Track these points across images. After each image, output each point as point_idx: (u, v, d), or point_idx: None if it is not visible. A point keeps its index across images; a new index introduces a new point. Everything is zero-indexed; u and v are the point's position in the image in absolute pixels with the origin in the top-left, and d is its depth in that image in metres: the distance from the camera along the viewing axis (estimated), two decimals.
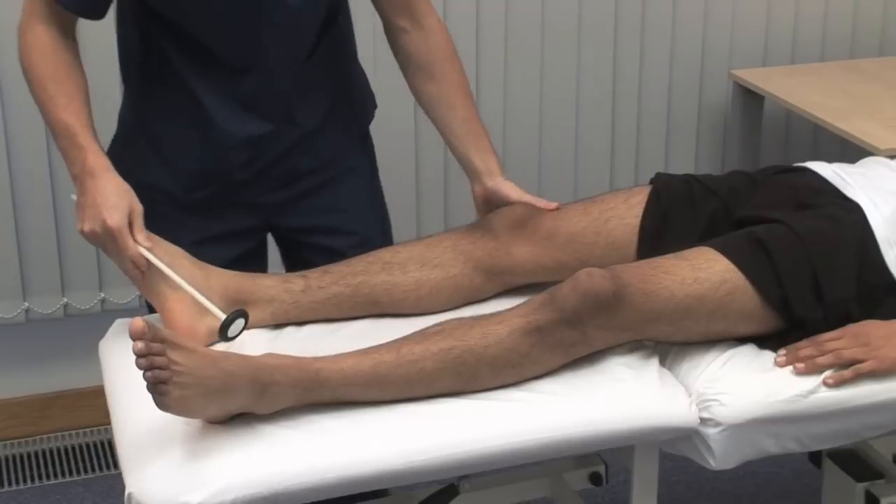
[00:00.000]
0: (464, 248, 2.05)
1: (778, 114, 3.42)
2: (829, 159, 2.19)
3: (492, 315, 1.85)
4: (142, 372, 1.59)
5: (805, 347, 1.87)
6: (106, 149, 2.02)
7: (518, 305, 1.86)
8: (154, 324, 1.60)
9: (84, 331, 2.51)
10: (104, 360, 1.97)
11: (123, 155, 2.09)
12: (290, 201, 2.15)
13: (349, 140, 2.20)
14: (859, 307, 1.91)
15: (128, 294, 2.98)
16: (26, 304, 2.96)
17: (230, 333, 1.82)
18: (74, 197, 1.92)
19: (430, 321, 1.89)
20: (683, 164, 3.39)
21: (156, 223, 1.95)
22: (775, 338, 1.91)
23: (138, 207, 1.88)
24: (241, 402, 1.69)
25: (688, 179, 2.11)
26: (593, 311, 1.81)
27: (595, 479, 2.15)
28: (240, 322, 1.83)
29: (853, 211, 1.98)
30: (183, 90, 2.02)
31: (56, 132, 1.92)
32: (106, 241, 1.86)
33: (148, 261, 1.88)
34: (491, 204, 2.07)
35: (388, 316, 2.02)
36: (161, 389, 1.60)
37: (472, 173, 2.09)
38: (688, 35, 3.33)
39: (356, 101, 2.21)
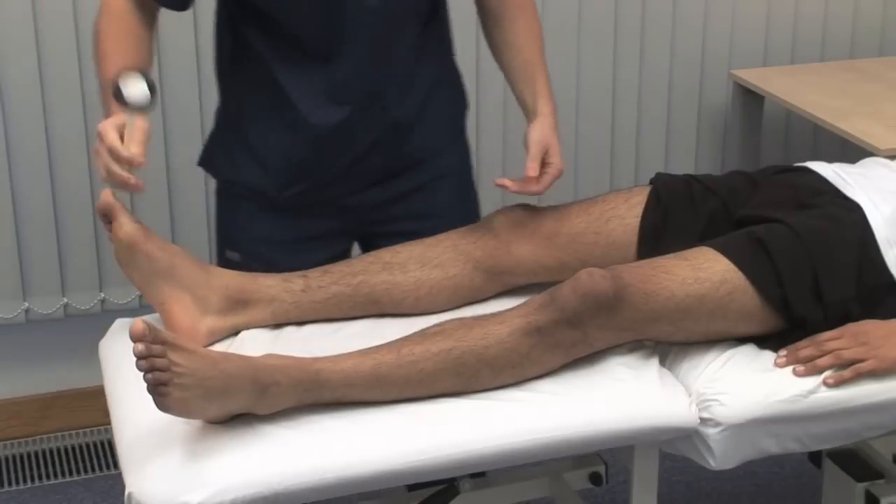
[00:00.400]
0: (464, 248, 2.05)
1: (778, 114, 3.42)
2: (829, 159, 2.20)
3: (492, 315, 1.85)
4: (142, 373, 1.59)
5: (805, 347, 1.87)
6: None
7: (518, 306, 1.86)
8: (154, 325, 1.60)
9: (84, 331, 2.51)
10: (104, 360, 1.97)
11: (216, 153, 2.16)
12: (383, 204, 2.15)
13: (444, 138, 2.20)
14: (859, 307, 1.91)
15: (128, 294, 2.98)
16: (26, 304, 2.96)
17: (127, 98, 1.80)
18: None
19: (431, 321, 1.89)
20: (683, 164, 3.39)
21: (251, 221, 2.05)
22: (775, 338, 1.91)
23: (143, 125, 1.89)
24: (241, 403, 1.69)
25: (688, 179, 2.11)
26: (594, 311, 1.81)
27: (595, 479, 2.15)
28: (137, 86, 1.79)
29: (853, 211, 1.98)
30: (272, 83, 2.04)
31: (101, 89, 1.95)
32: (103, 153, 1.84)
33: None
34: (530, 146, 2.07)
35: (388, 316, 2.02)
36: (161, 391, 1.60)
37: (529, 118, 2.11)
38: (688, 35, 3.33)
39: (452, 97, 2.22)
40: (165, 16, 2.08)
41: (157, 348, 1.58)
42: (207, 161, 2.21)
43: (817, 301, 1.89)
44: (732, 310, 1.88)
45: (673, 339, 1.92)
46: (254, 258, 2.12)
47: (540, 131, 2.06)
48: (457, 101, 2.24)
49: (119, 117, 1.85)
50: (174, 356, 1.60)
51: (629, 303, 1.82)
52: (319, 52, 2.01)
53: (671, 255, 1.92)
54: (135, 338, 1.58)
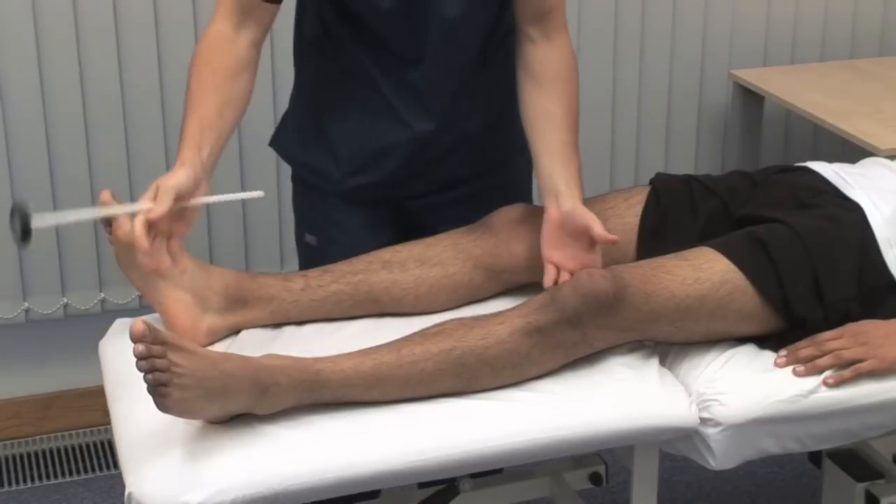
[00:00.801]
0: (463, 246, 2.05)
1: (778, 114, 3.41)
2: (829, 159, 2.19)
3: (492, 315, 1.85)
4: (142, 374, 1.59)
5: (805, 348, 1.87)
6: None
7: (518, 306, 1.86)
8: (154, 325, 1.60)
9: (84, 331, 2.51)
10: (104, 360, 1.97)
11: (289, 135, 2.18)
12: (441, 206, 2.16)
13: (510, 152, 2.20)
14: (860, 307, 1.91)
15: (128, 294, 2.98)
16: (26, 304, 2.96)
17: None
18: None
19: (431, 321, 1.89)
20: (683, 164, 3.39)
21: (322, 205, 2.10)
22: (775, 338, 1.91)
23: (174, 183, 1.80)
24: (241, 403, 1.69)
25: (687, 179, 2.11)
26: (594, 311, 1.81)
27: (595, 479, 2.15)
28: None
29: (853, 211, 1.98)
30: (358, 76, 2.05)
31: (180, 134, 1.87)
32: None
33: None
34: (565, 228, 1.93)
35: (389, 315, 2.02)
36: (162, 391, 1.60)
37: (551, 193, 1.95)
38: (688, 35, 3.33)
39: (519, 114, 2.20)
40: None
41: (157, 349, 1.58)
42: (277, 142, 2.24)
43: (818, 301, 1.89)
44: (733, 310, 1.88)
45: (673, 339, 1.92)
46: (328, 241, 2.16)
47: (594, 217, 1.93)
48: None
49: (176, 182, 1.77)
50: (174, 356, 1.60)
51: (629, 303, 1.82)
52: (407, 55, 2.02)
53: (671, 256, 1.92)
54: (135, 338, 1.58)
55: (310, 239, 2.20)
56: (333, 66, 2.08)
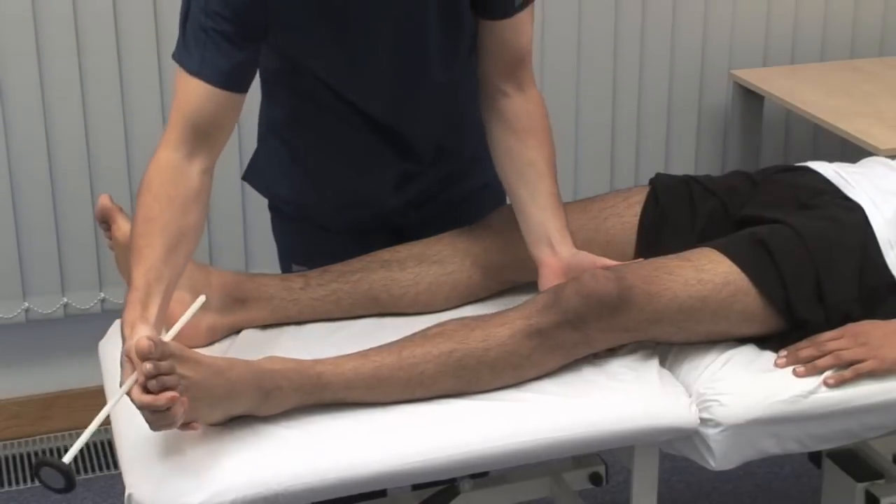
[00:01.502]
0: (462, 245, 2.05)
1: (778, 114, 3.41)
2: (829, 159, 2.19)
3: (493, 316, 1.85)
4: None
5: (805, 348, 1.87)
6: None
7: (519, 306, 1.86)
8: (158, 339, 1.59)
9: (84, 331, 2.51)
10: (104, 360, 1.97)
11: (266, 170, 2.13)
12: (430, 219, 2.14)
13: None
14: (861, 308, 1.91)
15: None
16: (26, 304, 2.96)
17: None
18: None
19: (431, 320, 1.89)
20: (683, 164, 3.39)
21: (310, 236, 2.08)
22: (775, 338, 1.91)
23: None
24: (244, 407, 1.69)
25: (687, 180, 2.11)
26: (597, 313, 1.81)
27: (595, 479, 2.15)
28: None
29: (854, 211, 1.98)
30: (334, 128, 2.02)
31: (126, 276, 1.77)
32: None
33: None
34: (569, 273, 1.90)
35: (389, 315, 2.02)
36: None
37: (544, 241, 1.94)
38: (688, 35, 3.33)
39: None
40: None
41: (165, 365, 1.57)
42: (252, 176, 2.17)
43: (819, 303, 1.89)
44: (735, 311, 1.88)
45: (674, 339, 1.92)
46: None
47: (595, 257, 1.93)
48: None
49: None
50: (182, 369, 1.59)
51: (633, 304, 1.82)
52: (385, 119, 2.01)
53: (673, 256, 1.91)
54: (142, 356, 1.56)
55: (298, 269, 2.13)
56: (306, 101, 2.02)
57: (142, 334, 1.60)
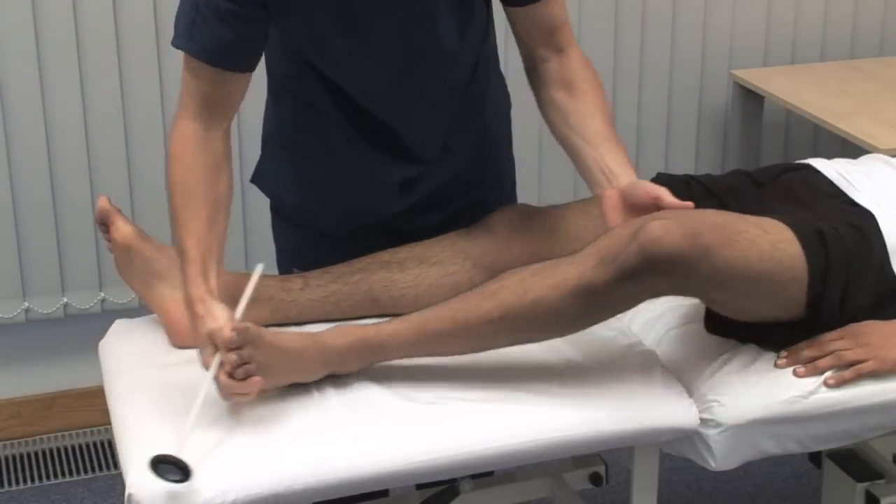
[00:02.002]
0: (463, 245, 2.05)
1: (778, 114, 3.42)
2: (829, 159, 2.19)
3: (546, 274, 1.77)
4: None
5: (806, 349, 1.87)
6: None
7: (575, 258, 1.77)
8: (242, 326, 1.68)
9: (84, 331, 2.51)
10: (104, 360, 1.97)
11: (270, 176, 2.14)
12: (439, 226, 2.12)
13: (500, 154, 2.20)
14: (866, 315, 1.89)
15: (128, 294, 2.97)
16: (26, 304, 2.96)
17: None
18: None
19: None
20: (683, 164, 3.39)
21: (311, 241, 2.10)
22: (776, 338, 1.91)
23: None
24: (309, 378, 1.80)
25: (687, 180, 2.11)
26: (664, 271, 1.68)
27: (595, 479, 2.15)
28: None
29: (869, 221, 1.95)
30: (337, 133, 2.02)
31: (178, 252, 1.83)
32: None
33: None
34: (627, 201, 1.85)
35: (389, 317, 2.01)
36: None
37: (602, 175, 1.88)
38: (688, 35, 3.33)
39: (503, 114, 2.20)
40: None
41: (246, 354, 1.68)
42: (259, 179, 2.17)
43: (840, 307, 1.87)
44: (782, 296, 1.82)
45: (712, 305, 1.86)
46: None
47: (654, 185, 1.86)
48: (507, 115, 2.23)
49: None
50: (259, 353, 1.69)
51: (706, 265, 1.68)
52: (387, 116, 2.00)
53: (750, 221, 1.81)
54: (228, 346, 1.66)
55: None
56: (310, 109, 2.02)
57: (222, 317, 1.71)
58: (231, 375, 1.68)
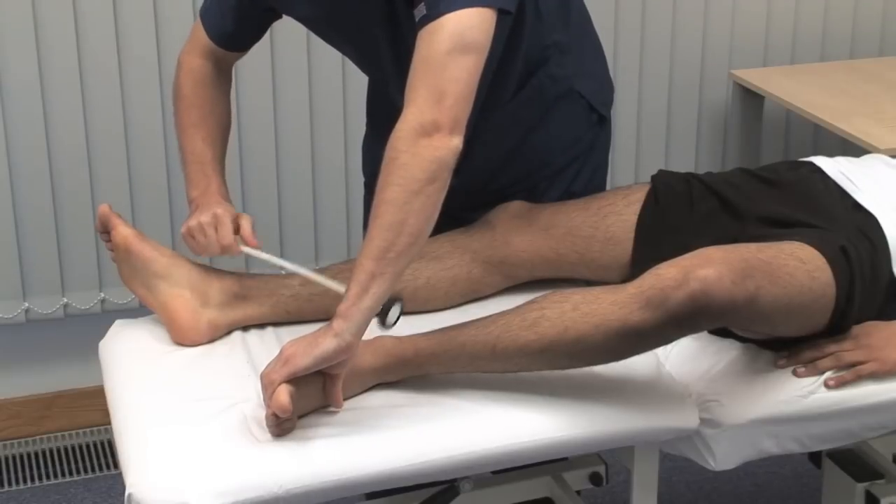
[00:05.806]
0: (461, 240, 2.05)
1: (778, 114, 3.42)
2: None
3: (587, 310, 1.73)
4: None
5: (806, 349, 1.87)
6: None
7: (618, 293, 1.72)
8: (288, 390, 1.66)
9: (84, 331, 2.51)
10: (104, 360, 1.97)
11: (366, 157, 2.32)
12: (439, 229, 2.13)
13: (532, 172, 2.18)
14: (869, 320, 1.90)
15: (128, 294, 2.97)
16: (26, 304, 2.96)
17: (388, 321, 1.76)
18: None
19: (431, 320, 1.90)
20: (683, 164, 3.39)
21: None
22: (776, 339, 1.91)
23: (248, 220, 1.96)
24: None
25: (687, 178, 2.11)
26: (712, 317, 1.69)
27: (595, 479, 2.15)
28: (396, 309, 1.75)
29: (874, 225, 1.95)
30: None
31: (187, 157, 2.03)
32: (208, 229, 1.92)
33: None
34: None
35: None
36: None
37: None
38: (688, 35, 3.33)
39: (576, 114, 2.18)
40: None
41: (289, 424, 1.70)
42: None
43: (856, 319, 1.88)
44: (812, 319, 1.83)
45: (744, 333, 1.87)
46: None
47: None
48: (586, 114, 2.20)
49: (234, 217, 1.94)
50: (332, 389, 1.72)
51: (754, 308, 1.70)
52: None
53: (786, 252, 1.79)
54: (281, 413, 1.65)
55: None
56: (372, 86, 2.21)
57: (281, 378, 1.67)
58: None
